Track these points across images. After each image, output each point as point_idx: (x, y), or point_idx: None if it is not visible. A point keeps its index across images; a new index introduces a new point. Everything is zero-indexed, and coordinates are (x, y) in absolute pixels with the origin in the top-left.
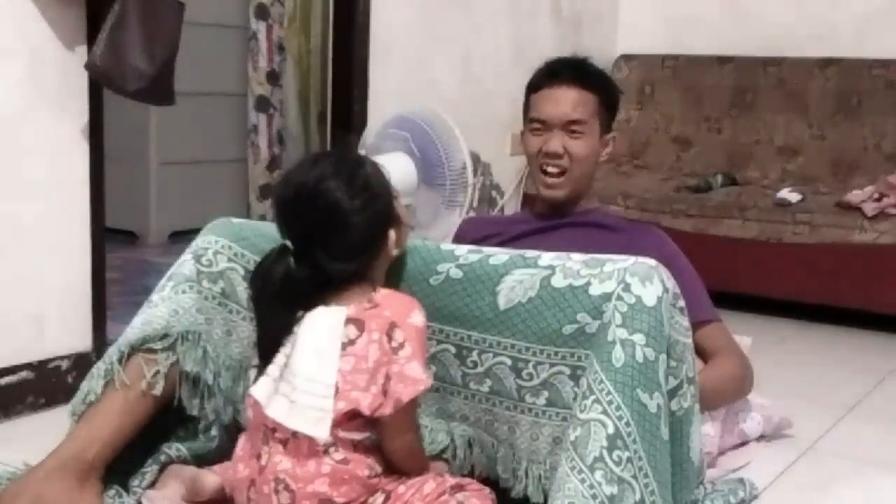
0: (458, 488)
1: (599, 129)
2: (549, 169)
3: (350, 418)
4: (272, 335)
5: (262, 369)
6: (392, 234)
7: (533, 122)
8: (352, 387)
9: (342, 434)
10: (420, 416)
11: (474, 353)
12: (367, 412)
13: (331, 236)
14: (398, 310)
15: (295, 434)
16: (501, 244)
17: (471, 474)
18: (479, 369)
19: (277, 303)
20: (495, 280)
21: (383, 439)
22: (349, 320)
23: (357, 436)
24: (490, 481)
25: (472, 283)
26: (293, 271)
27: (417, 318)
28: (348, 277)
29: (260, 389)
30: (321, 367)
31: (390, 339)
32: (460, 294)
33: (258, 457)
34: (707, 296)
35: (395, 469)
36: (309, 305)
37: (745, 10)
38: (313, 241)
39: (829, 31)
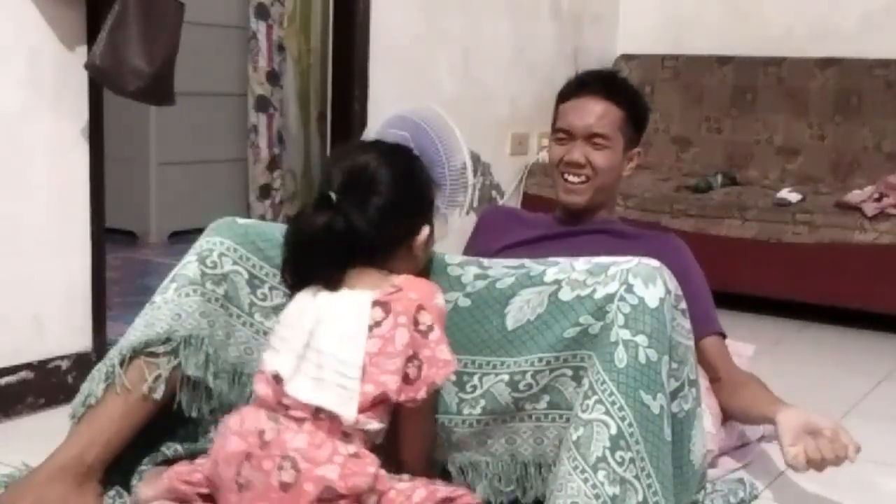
0: (448, 501)
1: (624, 143)
2: (570, 178)
3: (375, 403)
4: (304, 276)
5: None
6: (426, 231)
7: (558, 132)
8: (379, 370)
9: (362, 420)
10: None
11: (475, 377)
12: (394, 397)
13: (370, 198)
14: (423, 292)
15: (317, 415)
16: (519, 245)
17: None
18: (477, 393)
19: (312, 250)
20: (503, 302)
21: (405, 426)
22: (375, 303)
23: (375, 426)
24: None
25: (481, 309)
26: (333, 222)
27: (440, 299)
28: (371, 253)
29: (284, 364)
30: (350, 349)
31: (417, 322)
32: (468, 321)
33: (261, 433)
34: (714, 309)
35: (408, 459)
36: (336, 269)
37: (745, 10)
38: (354, 197)
39: (829, 31)
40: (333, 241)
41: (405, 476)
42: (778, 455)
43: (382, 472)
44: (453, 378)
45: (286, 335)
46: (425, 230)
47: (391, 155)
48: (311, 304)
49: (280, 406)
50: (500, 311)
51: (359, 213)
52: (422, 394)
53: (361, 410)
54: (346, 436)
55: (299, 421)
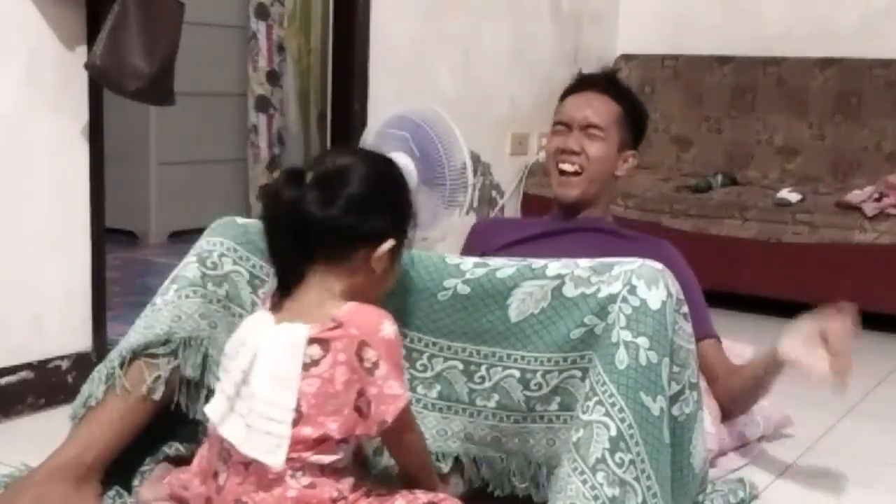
0: None
1: (619, 140)
2: (564, 167)
3: (320, 442)
4: (283, 265)
5: (280, 291)
6: (390, 243)
7: (556, 125)
8: (318, 411)
9: (311, 458)
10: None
11: (483, 367)
12: (337, 436)
13: (341, 184)
14: (366, 326)
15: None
16: (513, 244)
17: (483, 490)
18: (487, 384)
19: (284, 229)
20: (504, 293)
21: (389, 445)
22: (312, 340)
23: (326, 459)
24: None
25: (481, 297)
26: (301, 199)
27: (388, 329)
28: (331, 247)
29: (214, 408)
30: (281, 391)
31: (361, 359)
32: (469, 309)
33: (215, 475)
34: (709, 314)
35: (406, 473)
36: (298, 258)
37: (745, 10)
38: (325, 183)
39: (829, 31)
40: (298, 220)
41: (382, 490)
42: (778, 455)
43: (347, 493)
44: (460, 367)
45: (226, 367)
46: (388, 242)
47: (374, 158)
48: (252, 336)
49: (224, 448)
50: (502, 302)
51: (325, 198)
52: (374, 430)
53: (306, 450)
54: (297, 469)
55: (245, 464)
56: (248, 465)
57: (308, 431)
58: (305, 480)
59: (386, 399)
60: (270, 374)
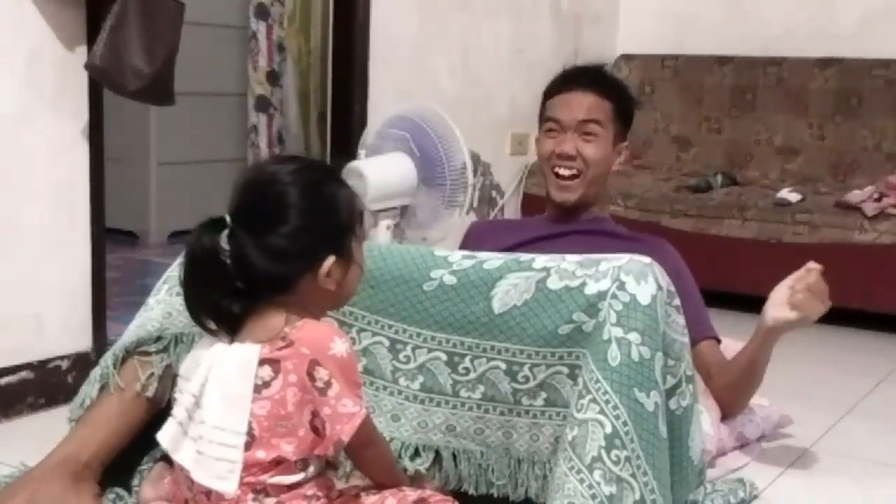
0: (421, 501)
1: (613, 136)
2: (561, 171)
3: (276, 464)
4: (194, 311)
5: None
6: (330, 260)
7: (547, 124)
8: (270, 434)
9: (271, 481)
10: (399, 432)
11: (467, 359)
12: (293, 457)
13: (263, 224)
14: (316, 344)
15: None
16: (510, 248)
17: (457, 489)
18: (472, 375)
19: (201, 277)
20: (489, 284)
21: (354, 460)
22: (263, 361)
23: (287, 480)
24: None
25: (466, 288)
26: (220, 248)
27: (339, 346)
28: (268, 287)
29: (166, 434)
30: (231, 414)
31: (313, 379)
32: (454, 300)
33: (186, 503)
34: (707, 315)
35: (373, 481)
36: (228, 302)
37: (745, 10)
38: (246, 222)
39: (829, 31)
40: (220, 269)
41: (372, 490)
42: (778, 455)
43: (321, 494)
44: (444, 358)
45: (181, 388)
46: (329, 261)
47: (311, 176)
48: (204, 358)
49: (186, 476)
50: (487, 293)
51: (254, 242)
52: (331, 450)
53: (263, 472)
54: (259, 491)
55: (206, 493)
56: (209, 493)
57: (262, 455)
58: (271, 501)
59: (340, 419)
60: (221, 396)
